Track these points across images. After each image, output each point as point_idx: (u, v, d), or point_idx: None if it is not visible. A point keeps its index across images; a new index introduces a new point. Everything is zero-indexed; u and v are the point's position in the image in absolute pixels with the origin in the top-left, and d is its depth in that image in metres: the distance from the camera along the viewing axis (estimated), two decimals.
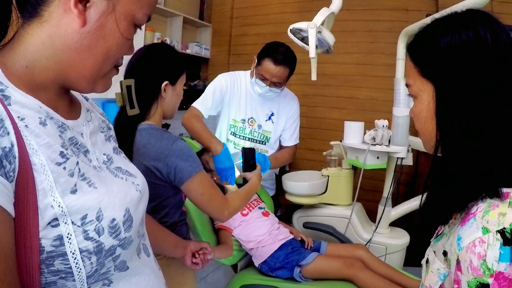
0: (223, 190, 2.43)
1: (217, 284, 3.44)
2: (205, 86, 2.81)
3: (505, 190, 0.80)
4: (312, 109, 4.78)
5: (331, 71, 4.61)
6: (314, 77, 2.44)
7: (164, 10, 4.90)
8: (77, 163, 0.77)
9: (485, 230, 0.75)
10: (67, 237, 0.69)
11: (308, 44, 2.19)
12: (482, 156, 0.83)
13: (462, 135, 0.86)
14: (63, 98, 0.85)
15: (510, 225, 0.73)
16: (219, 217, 1.81)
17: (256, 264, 2.39)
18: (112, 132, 1.07)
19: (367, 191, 3.33)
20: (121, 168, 0.97)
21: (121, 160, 1.01)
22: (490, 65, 0.82)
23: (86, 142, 0.87)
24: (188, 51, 5.32)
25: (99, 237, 0.74)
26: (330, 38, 2.28)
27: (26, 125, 0.68)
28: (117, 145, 1.06)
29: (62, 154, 0.73)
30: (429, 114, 0.93)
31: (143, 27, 0.89)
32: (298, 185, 2.74)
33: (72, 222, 0.70)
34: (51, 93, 0.80)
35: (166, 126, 4.57)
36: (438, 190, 0.92)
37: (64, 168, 0.72)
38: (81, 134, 0.87)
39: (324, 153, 2.96)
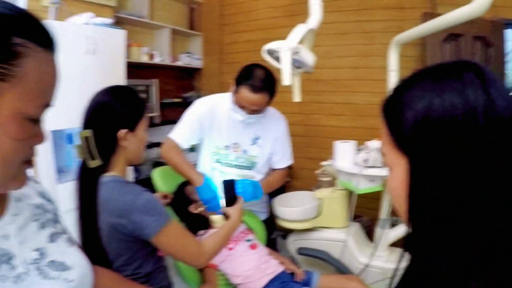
0: (208, 222, 2.32)
1: None
2: (199, 97, 2.67)
3: None
4: (308, 116, 4.66)
5: (326, 77, 4.47)
6: (297, 98, 2.29)
7: (151, 24, 4.79)
8: None
9: None
10: None
11: None
12: (459, 265, 0.64)
13: (436, 237, 0.67)
14: None
15: None
16: (195, 265, 1.75)
17: None
18: (50, 215, 0.99)
19: (369, 201, 3.15)
20: (54, 262, 0.89)
21: (58, 248, 0.94)
22: (481, 144, 0.62)
23: (11, 245, 0.80)
24: (179, 63, 5.19)
25: None
26: (309, 58, 2.12)
27: None
28: (56, 229, 0.97)
29: None
30: (403, 193, 0.72)
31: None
32: (289, 210, 2.61)
33: None
34: None
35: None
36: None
37: None
38: (7, 235, 0.81)
39: (317, 171, 2.80)
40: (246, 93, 2.23)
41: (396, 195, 0.76)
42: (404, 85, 0.73)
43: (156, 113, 4.70)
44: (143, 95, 4.64)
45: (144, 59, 4.59)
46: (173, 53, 5.11)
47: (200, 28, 5.61)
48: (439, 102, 0.64)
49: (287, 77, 1.86)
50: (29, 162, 0.78)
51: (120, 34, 3.68)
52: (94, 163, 1.50)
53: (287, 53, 1.87)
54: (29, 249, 0.85)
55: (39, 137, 0.77)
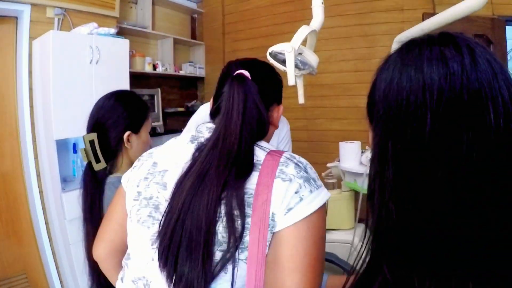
0: None
1: None
2: None
3: None
4: (312, 121, 4.66)
5: (329, 81, 4.47)
6: (301, 100, 2.29)
7: (153, 34, 4.82)
8: None
9: None
10: None
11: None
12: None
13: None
14: None
15: None
16: None
17: None
18: None
19: None
20: None
21: None
22: (435, 126, 0.56)
23: None
24: (182, 73, 5.22)
25: None
26: (313, 59, 2.12)
27: None
28: None
29: None
30: None
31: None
32: None
33: None
34: None
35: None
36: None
37: None
38: None
39: (323, 174, 2.80)
40: None
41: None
42: (381, 62, 0.72)
43: (159, 122, 4.71)
44: None
45: (148, 69, 4.62)
46: (176, 63, 5.14)
47: (202, 37, 5.66)
48: (397, 81, 0.62)
49: (292, 77, 1.86)
50: None
51: (123, 44, 3.70)
52: (99, 166, 1.58)
53: (291, 53, 1.87)
54: None
55: None
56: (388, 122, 0.61)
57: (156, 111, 4.69)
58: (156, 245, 0.98)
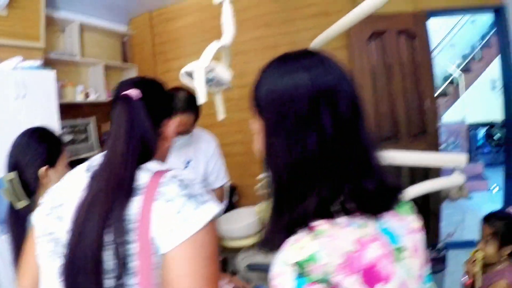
0: None
1: None
2: None
3: (313, 223, 0.82)
4: (248, 134, 4.60)
5: None
6: (221, 116, 2.29)
7: (83, 62, 4.74)
8: None
9: (284, 263, 0.79)
10: None
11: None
12: (295, 195, 0.87)
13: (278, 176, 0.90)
14: None
15: (307, 258, 0.77)
16: None
17: None
18: None
19: None
20: None
21: None
22: (302, 113, 0.85)
23: None
24: None
25: None
26: (226, 74, 2.13)
27: None
28: None
29: None
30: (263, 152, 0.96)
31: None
32: (233, 228, 2.59)
33: None
34: None
35: None
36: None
37: None
38: None
39: (256, 186, 2.81)
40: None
41: (260, 150, 0.97)
42: (262, 70, 0.97)
43: (96, 151, 4.63)
44: (82, 135, 4.59)
45: (80, 98, 4.53)
46: (109, 88, 5.04)
47: (133, 60, 5.61)
48: (279, 83, 0.88)
49: (202, 95, 1.86)
50: None
51: (49, 75, 3.63)
52: (21, 204, 1.61)
53: (200, 72, 1.89)
54: None
55: None
56: (276, 109, 0.87)
57: (91, 141, 4.61)
58: (62, 278, 0.98)
